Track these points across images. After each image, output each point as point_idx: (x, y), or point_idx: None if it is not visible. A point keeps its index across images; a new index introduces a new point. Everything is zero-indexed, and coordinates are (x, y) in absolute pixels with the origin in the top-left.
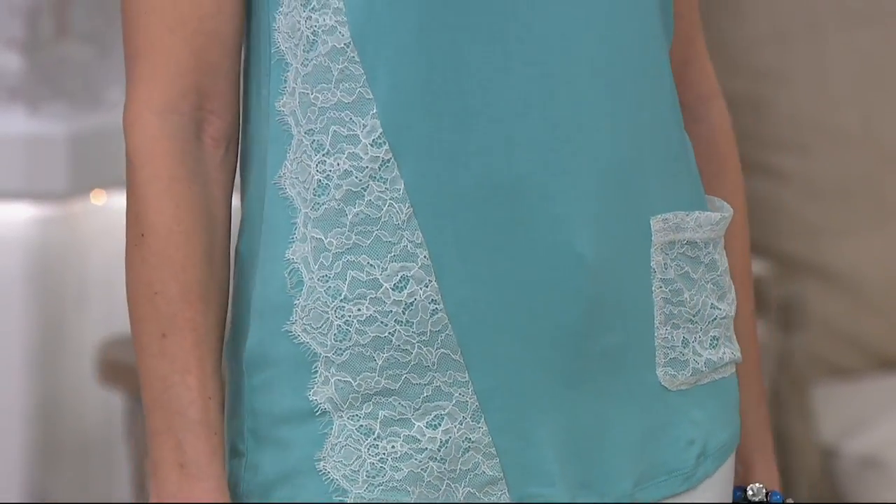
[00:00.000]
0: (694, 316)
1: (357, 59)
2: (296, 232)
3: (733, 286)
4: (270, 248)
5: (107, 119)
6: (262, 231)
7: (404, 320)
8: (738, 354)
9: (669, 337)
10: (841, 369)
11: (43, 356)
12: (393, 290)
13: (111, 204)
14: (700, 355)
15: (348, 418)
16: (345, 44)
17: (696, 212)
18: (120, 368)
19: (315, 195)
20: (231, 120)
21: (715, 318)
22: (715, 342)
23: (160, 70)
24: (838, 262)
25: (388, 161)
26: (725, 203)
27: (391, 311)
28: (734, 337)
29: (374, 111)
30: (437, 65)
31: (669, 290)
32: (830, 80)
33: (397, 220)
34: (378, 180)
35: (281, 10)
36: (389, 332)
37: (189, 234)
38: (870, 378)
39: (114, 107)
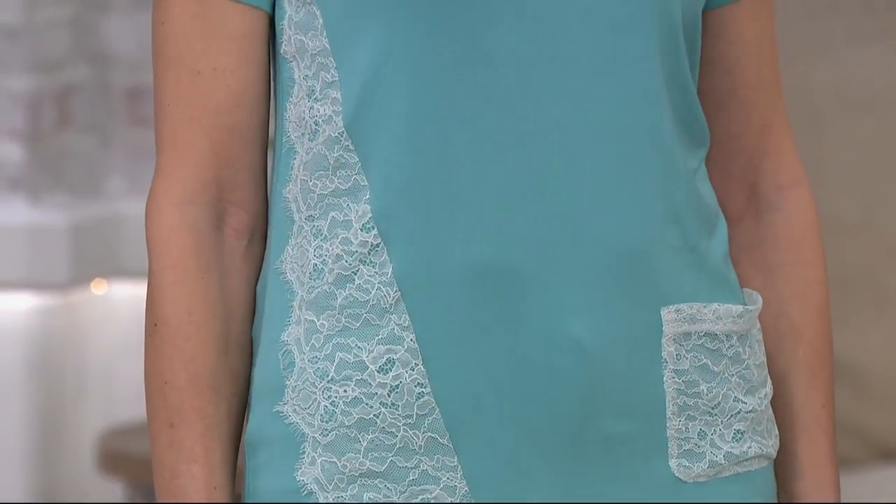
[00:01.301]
0: (713, 408)
1: (351, 147)
2: (292, 315)
3: (769, 380)
4: (269, 330)
5: (108, 209)
6: (264, 315)
7: (389, 402)
8: (773, 450)
9: (684, 428)
10: (842, 460)
11: (43, 445)
12: (378, 372)
13: (112, 293)
14: (719, 448)
15: (333, 499)
16: (339, 133)
17: (715, 304)
18: (120, 458)
19: (311, 279)
20: (255, 211)
21: (739, 412)
22: (739, 435)
23: (180, 162)
24: (839, 352)
25: (378, 246)
26: (758, 296)
27: (376, 392)
28: (771, 431)
29: (368, 197)
30: (427, 154)
31: (683, 381)
32: (830, 170)
33: (385, 304)
34: (368, 264)
35: (291, 99)
36: (374, 414)
37: (200, 325)
38: (872, 469)
39: (115, 197)
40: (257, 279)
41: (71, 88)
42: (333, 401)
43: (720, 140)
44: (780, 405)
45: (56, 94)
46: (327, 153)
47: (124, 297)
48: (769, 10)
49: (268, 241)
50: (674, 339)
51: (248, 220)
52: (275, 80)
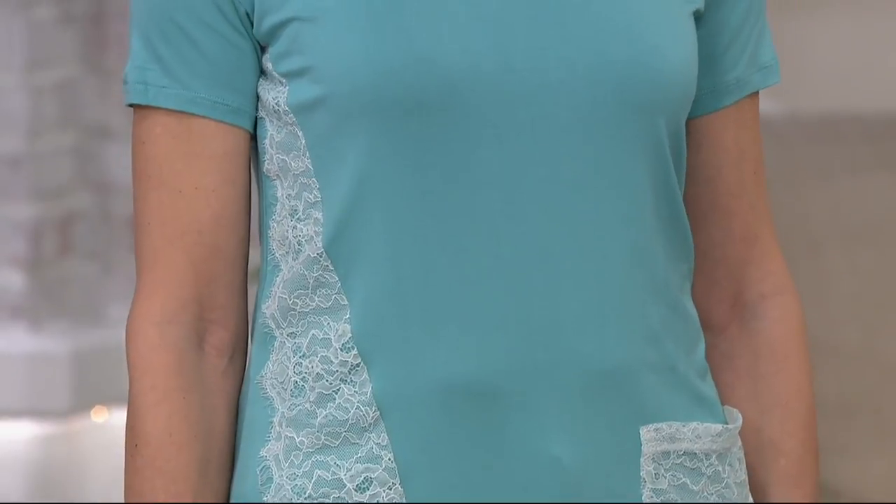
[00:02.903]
0: None
1: (331, 267)
2: (272, 431)
3: (750, 497)
4: (249, 446)
5: (109, 336)
6: (244, 429)
7: None
8: None
9: None
10: None
11: None
12: (356, 490)
13: (112, 421)
14: None
15: None
16: (318, 253)
17: (694, 422)
18: None
19: (292, 396)
20: (235, 329)
21: None
22: None
23: (160, 281)
24: (839, 480)
25: (358, 365)
26: (739, 414)
27: None
28: None
29: (348, 316)
30: (407, 275)
31: (661, 501)
32: (830, 298)
33: (364, 423)
34: (348, 383)
35: (275, 217)
36: None
37: (181, 446)
38: None
39: (116, 324)
40: (238, 395)
41: (73, 216)
42: None
43: (703, 248)
44: None
45: (58, 221)
46: (307, 272)
47: (124, 424)
48: (752, 119)
49: (248, 355)
50: (652, 458)
51: (229, 338)
52: (259, 198)
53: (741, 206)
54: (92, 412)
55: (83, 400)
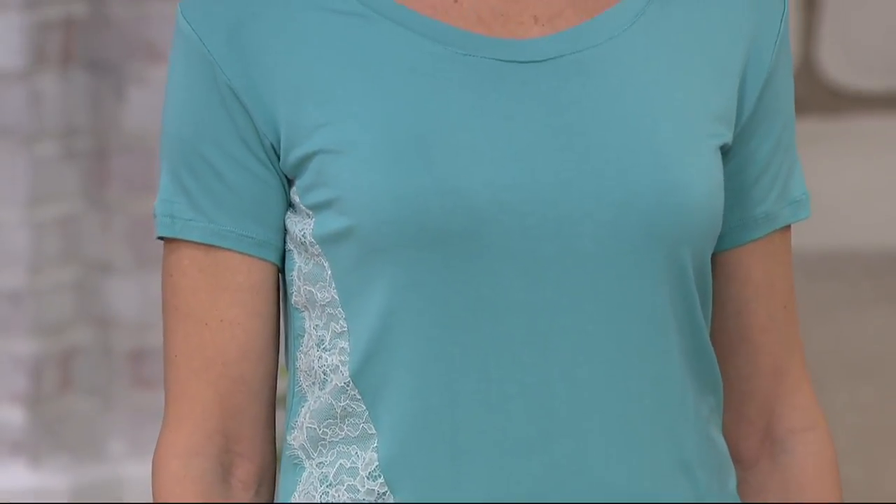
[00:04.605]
0: None
1: (358, 396)
2: None
3: None
4: None
5: (109, 472)
6: None
7: None
8: None
9: None
10: None
11: None
12: None
13: None
14: None
15: None
16: (345, 382)
17: None
18: None
19: None
20: (262, 462)
21: None
22: None
23: (186, 414)
24: None
25: (384, 494)
26: None
27: None
28: None
29: (375, 445)
30: (434, 404)
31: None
32: (834, 433)
33: None
34: None
35: (301, 349)
36: None
37: None
38: None
39: (115, 459)
40: None
41: (73, 351)
42: None
43: (732, 382)
44: None
45: (58, 357)
46: (334, 402)
47: None
48: (783, 252)
49: (276, 486)
50: None
51: (255, 471)
52: (286, 329)
53: (770, 341)
54: None
55: None
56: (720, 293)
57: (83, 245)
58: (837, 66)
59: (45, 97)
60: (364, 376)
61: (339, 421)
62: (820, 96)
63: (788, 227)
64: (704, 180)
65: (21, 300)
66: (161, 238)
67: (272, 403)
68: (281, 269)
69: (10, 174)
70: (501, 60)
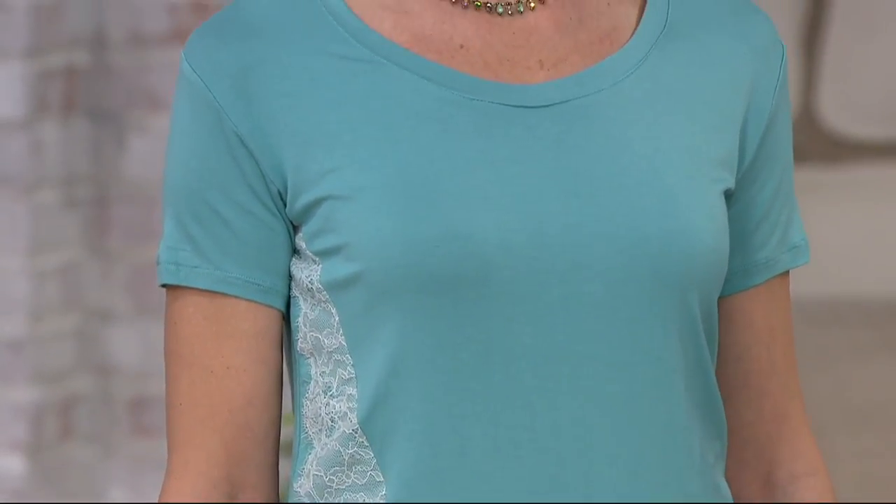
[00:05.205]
0: None
1: (366, 443)
2: None
3: None
4: None
5: None
6: None
7: None
8: None
9: None
10: None
11: None
12: None
13: None
14: None
15: None
16: (353, 429)
17: None
18: None
19: None
20: None
21: None
22: None
23: (191, 462)
24: None
25: None
26: None
27: None
28: None
29: (384, 492)
30: (443, 451)
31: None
32: (836, 482)
33: None
34: None
35: (307, 395)
36: None
37: None
38: None
39: None
40: None
41: (74, 400)
42: None
43: (733, 428)
44: None
45: (59, 405)
46: (342, 449)
47: None
48: (782, 298)
49: None
50: None
51: None
52: (291, 376)
53: (772, 386)
54: None
55: None
56: (722, 339)
57: (83, 293)
58: (837, 115)
59: (47, 146)
60: (372, 423)
61: (346, 468)
62: (820, 145)
63: (787, 272)
64: (712, 224)
65: (21, 348)
66: (164, 286)
67: (276, 450)
68: (285, 316)
69: (11, 222)
70: (508, 105)
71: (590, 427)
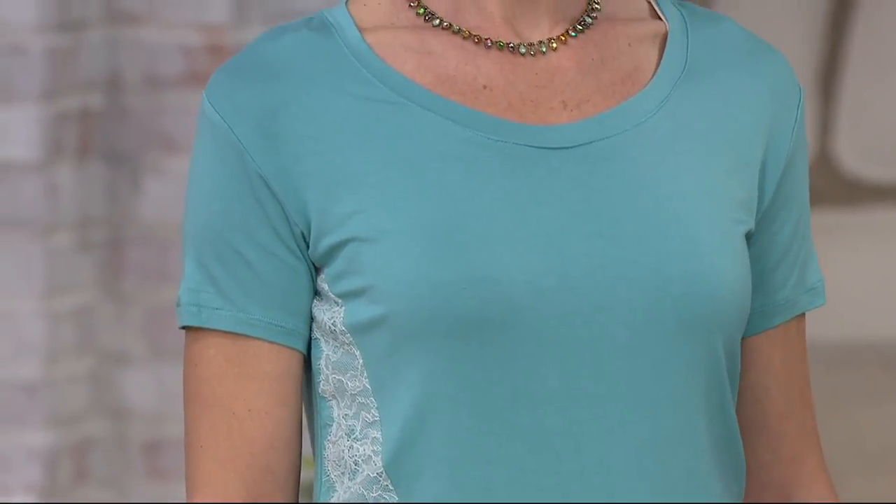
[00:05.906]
0: None
1: (391, 487)
2: None
3: None
4: None
5: None
6: None
7: None
8: None
9: None
10: None
11: None
12: None
13: None
14: None
15: None
16: (378, 473)
17: None
18: None
19: None
20: None
21: None
22: None
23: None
24: None
25: None
26: None
27: None
28: None
29: None
30: (468, 494)
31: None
32: None
33: None
34: None
35: (330, 438)
36: None
37: None
38: None
39: None
40: None
41: (88, 443)
42: None
43: (751, 470)
44: None
45: (73, 449)
46: (366, 493)
47: None
48: (799, 340)
49: None
50: None
51: None
52: (311, 419)
53: (790, 428)
54: None
55: None
56: (740, 380)
57: (98, 336)
58: (853, 158)
59: (62, 188)
60: (397, 466)
61: None
62: (836, 188)
63: (803, 314)
64: (735, 266)
65: (36, 391)
66: (184, 327)
67: (297, 493)
68: (306, 357)
69: (26, 265)
70: (532, 146)
71: (614, 469)
